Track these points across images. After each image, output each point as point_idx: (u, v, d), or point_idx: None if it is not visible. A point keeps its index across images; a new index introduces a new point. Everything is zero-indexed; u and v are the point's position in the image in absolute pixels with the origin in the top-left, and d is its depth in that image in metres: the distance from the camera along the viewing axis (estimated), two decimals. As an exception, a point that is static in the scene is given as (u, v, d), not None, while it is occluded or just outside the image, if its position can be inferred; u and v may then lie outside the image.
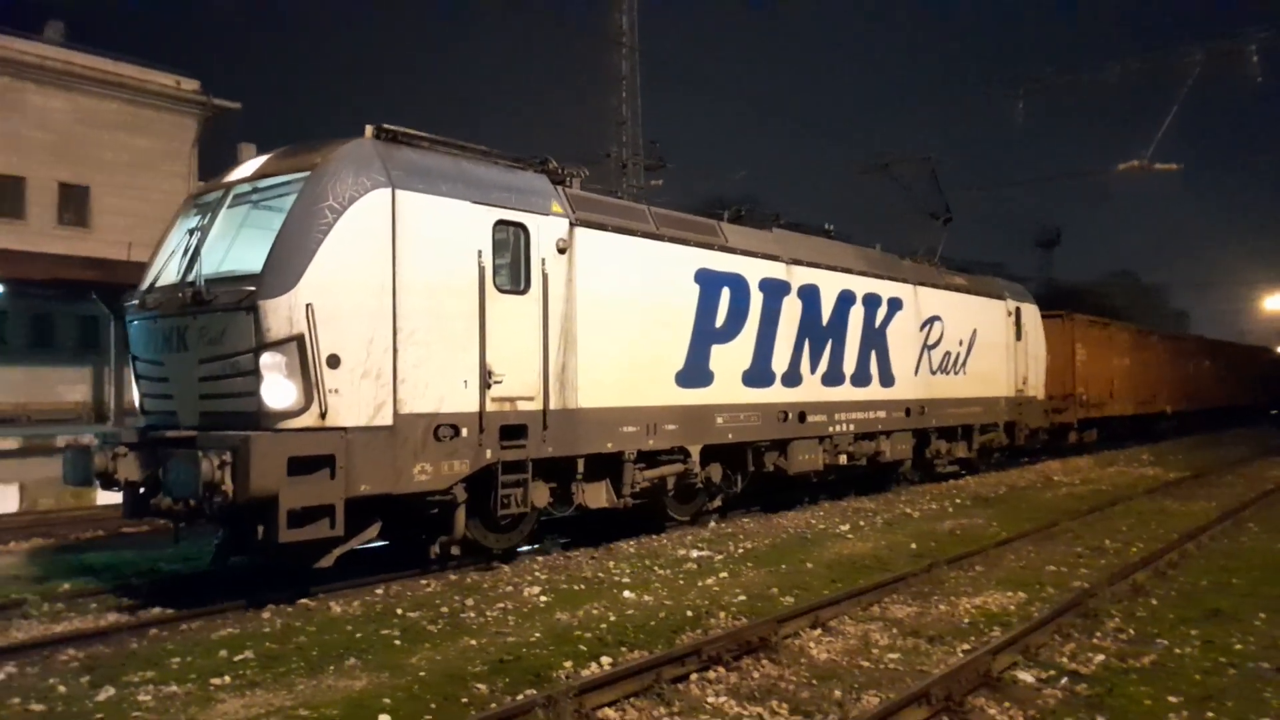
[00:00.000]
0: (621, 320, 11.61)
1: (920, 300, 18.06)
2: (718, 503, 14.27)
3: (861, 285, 16.32)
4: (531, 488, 10.63)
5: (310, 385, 8.62)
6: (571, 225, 11.06)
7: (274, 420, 8.63)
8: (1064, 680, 6.68)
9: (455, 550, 10.47)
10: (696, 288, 12.83)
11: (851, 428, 15.90)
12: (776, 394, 14.21)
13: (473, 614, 8.56)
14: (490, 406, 10.04)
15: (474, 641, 7.64)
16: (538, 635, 7.74)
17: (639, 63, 52.20)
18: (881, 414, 16.68)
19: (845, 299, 15.88)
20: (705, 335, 12.91)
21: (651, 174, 50.69)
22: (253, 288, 8.67)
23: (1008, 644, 7.21)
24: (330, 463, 8.70)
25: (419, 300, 9.45)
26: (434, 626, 8.17)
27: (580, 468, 11.14)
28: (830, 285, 15.51)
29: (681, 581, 9.87)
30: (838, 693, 6.43)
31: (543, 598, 9.16)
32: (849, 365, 15.90)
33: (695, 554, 11.30)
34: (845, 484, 17.19)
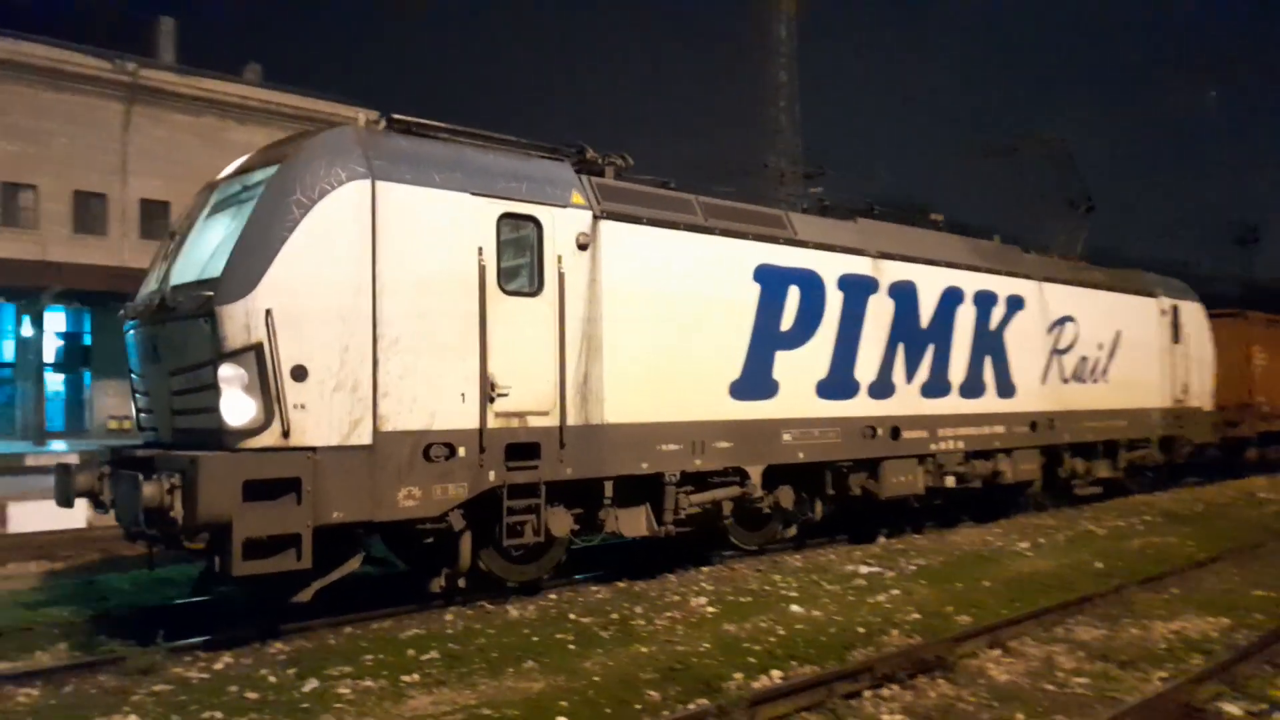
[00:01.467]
0: (658, 324, 10.24)
1: (1047, 298, 15.78)
2: (792, 531, 12.63)
3: (971, 281, 14.29)
4: (549, 514, 9.41)
5: (270, 400, 7.71)
6: (596, 218, 9.80)
7: (235, 439, 7.78)
8: (1277, 715, 6.29)
9: (461, 583, 9.38)
10: (756, 286, 11.30)
11: (960, 445, 13.89)
12: (861, 406, 12.46)
13: (642, 621, 8.68)
14: (493, 422, 8.90)
15: (644, 649, 7.76)
16: (706, 645, 7.76)
17: (797, 71, 51.91)
18: (999, 429, 14.55)
19: (950, 297, 13.91)
20: (768, 340, 11.36)
21: (810, 181, 49.68)
22: (211, 293, 7.87)
23: (1212, 673, 6.84)
24: (296, 487, 7.76)
25: (405, 303, 8.42)
26: (605, 632, 8.32)
27: (608, 491, 9.83)
28: (931, 282, 13.60)
29: (851, 597, 9.67)
30: (1020, 716, 6.32)
31: (709, 608, 9.15)
32: (956, 373, 13.91)
33: (864, 570, 11.07)
34: (957, 509, 15.13)
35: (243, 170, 8.89)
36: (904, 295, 13.19)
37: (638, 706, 6.38)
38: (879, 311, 12.79)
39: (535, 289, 9.32)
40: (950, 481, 13.85)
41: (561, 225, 9.51)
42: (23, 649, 8.19)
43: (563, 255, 9.48)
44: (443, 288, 8.67)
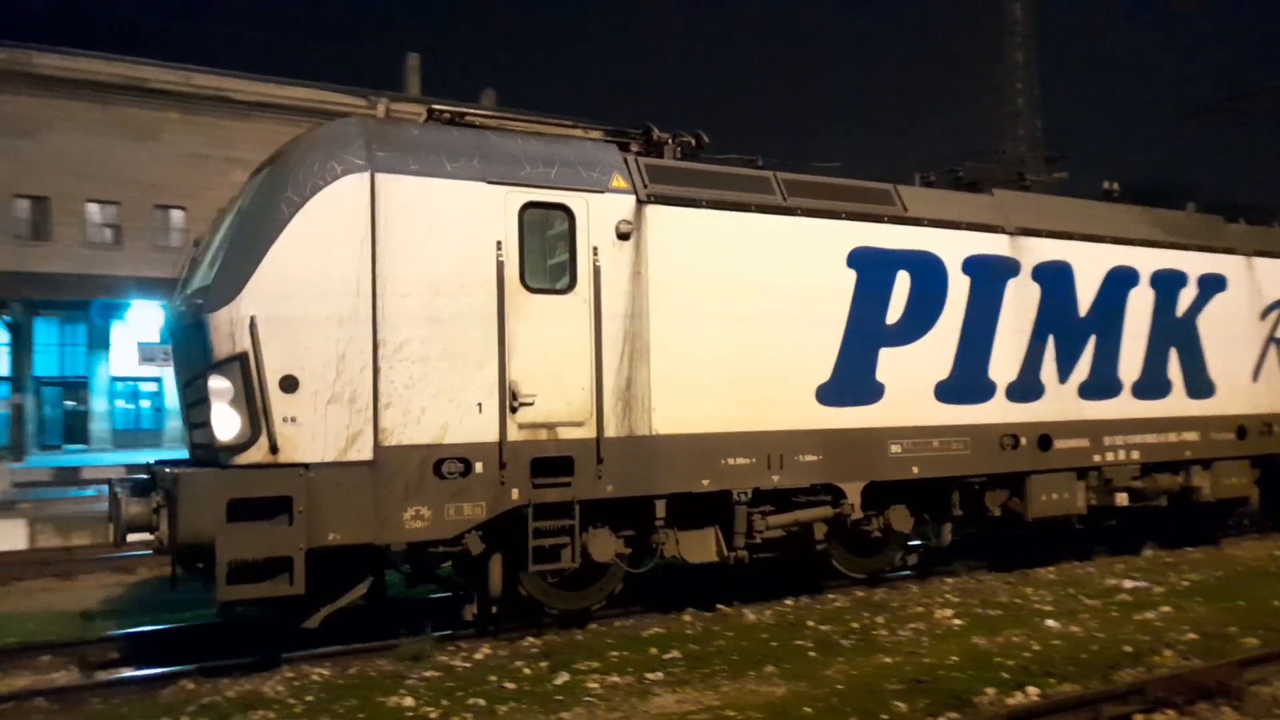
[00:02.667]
0: (721, 320, 8.97)
1: (1259, 277, 13.00)
2: (913, 559, 10.91)
3: (1149, 260, 11.91)
4: (590, 537, 8.41)
5: (256, 413, 7.19)
6: (640, 203, 8.69)
7: (227, 455, 7.34)
8: None
9: (494, 609, 8.55)
10: (851, 274, 9.76)
11: (1135, 455, 11.58)
12: (997, 411, 10.55)
13: (884, 632, 8.47)
14: (516, 435, 8.00)
15: (888, 659, 7.59)
16: (954, 658, 7.49)
17: (1035, 50, 49.51)
18: (1191, 435, 12.06)
19: (1119, 279, 11.64)
20: (868, 335, 9.78)
21: (1053, 166, 46.80)
22: (201, 301, 7.46)
23: None
24: (287, 506, 7.20)
25: (411, 305, 7.70)
26: (846, 641, 8.19)
27: (660, 511, 8.68)
28: (1091, 262, 11.41)
29: (1114, 613, 9.07)
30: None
31: (956, 620, 8.85)
32: (1128, 370, 11.62)
33: (1129, 584, 10.31)
34: (1140, 532, 12.71)
35: (256, 170, 8.50)
36: (1054, 278, 11.12)
37: (884, 716, 6.23)
38: (1020, 298, 10.82)
39: (567, 285, 8.35)
40: (1122, 499, 11.57)
41: (598, 213, 8.48)
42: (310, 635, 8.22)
43: (599, 246, 8.45)
44: (455, 287, 7.87)
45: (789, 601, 9.65)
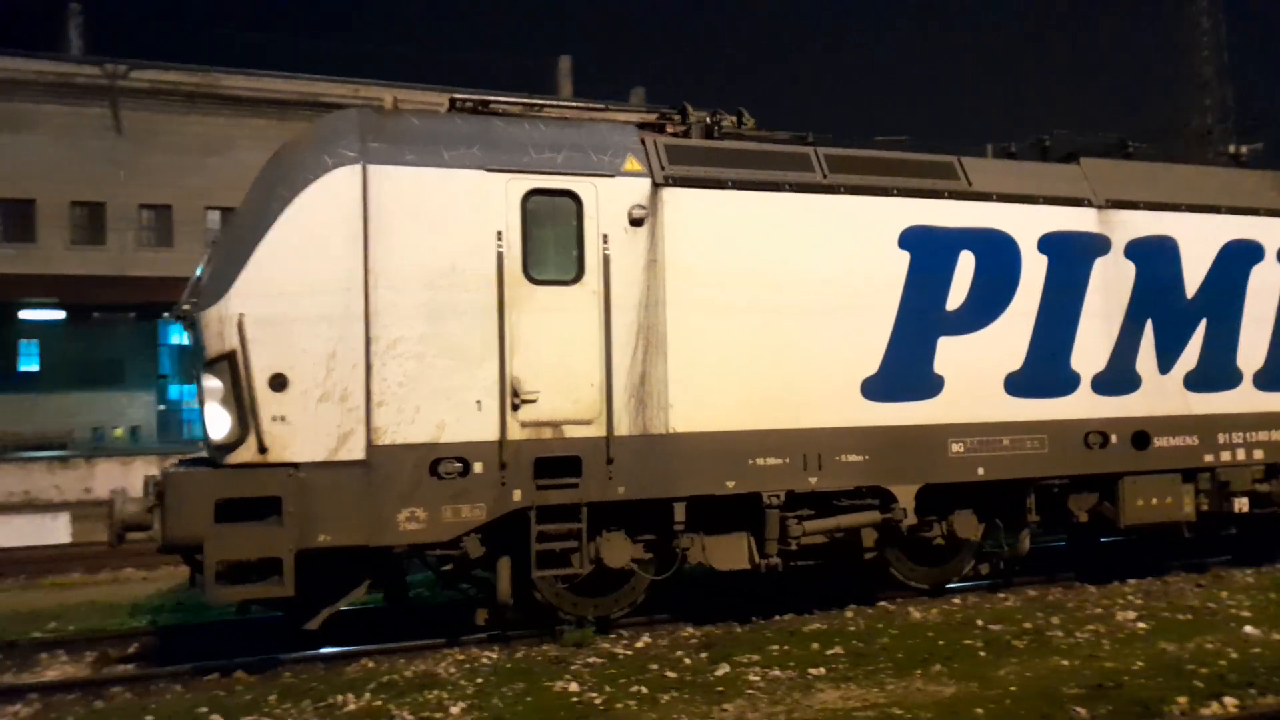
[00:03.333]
0: (750, 310, 8.31)
1: None
2: (984, 569, 9.91)
3: (1276, 231, 10.41)
4: (604, 541, 7.97)
5: (245, 412, 7.11)
6: (656, 186, 8.14)
7: (219, 454, 7.29)
8: None
9: (509, 615, 8.23)
10: (904, 255, 8.88)
11: (1259, 455, 10.15)
12: (1081, 405, 9.43)
13: (1059, 633, 8.07)
14: (518, 433, 7.64)
15: (1064, 662, 7.27)
16: (1140, 664, 7.10)
17: (1222, 15, 46.16)
18: None
19: (1239, 254, 10.21)
20: (924, 323, 8.89)
21: (1244, 137, 43.24)
22: (196, 299, 7.44)
23: None
24: (277, 506, 7.09)
25: (405, 300, 7.45)
26: (1019, 642, 7.85)
27: (679, 515, 8.13)
28: (1201, 235, 10.04)
29: None
30: None
31: (1140, 624, 8.33)
32: (1250, 357, 10.19)
33: None
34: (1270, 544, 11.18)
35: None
36: (1154, 255, 9.84)
37: (1061, 720, 5.87)
38: (1111, 279, 9.62)
39: (574, 276, 7.91)
40: (1241, 505, 10.16)
41: (608, 198, 7.99)
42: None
43: (610, 234, 7.96)
44: (452, 280, 7.57)
45: (956, 600, 9.36)
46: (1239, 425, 10.04)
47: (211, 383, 7.21)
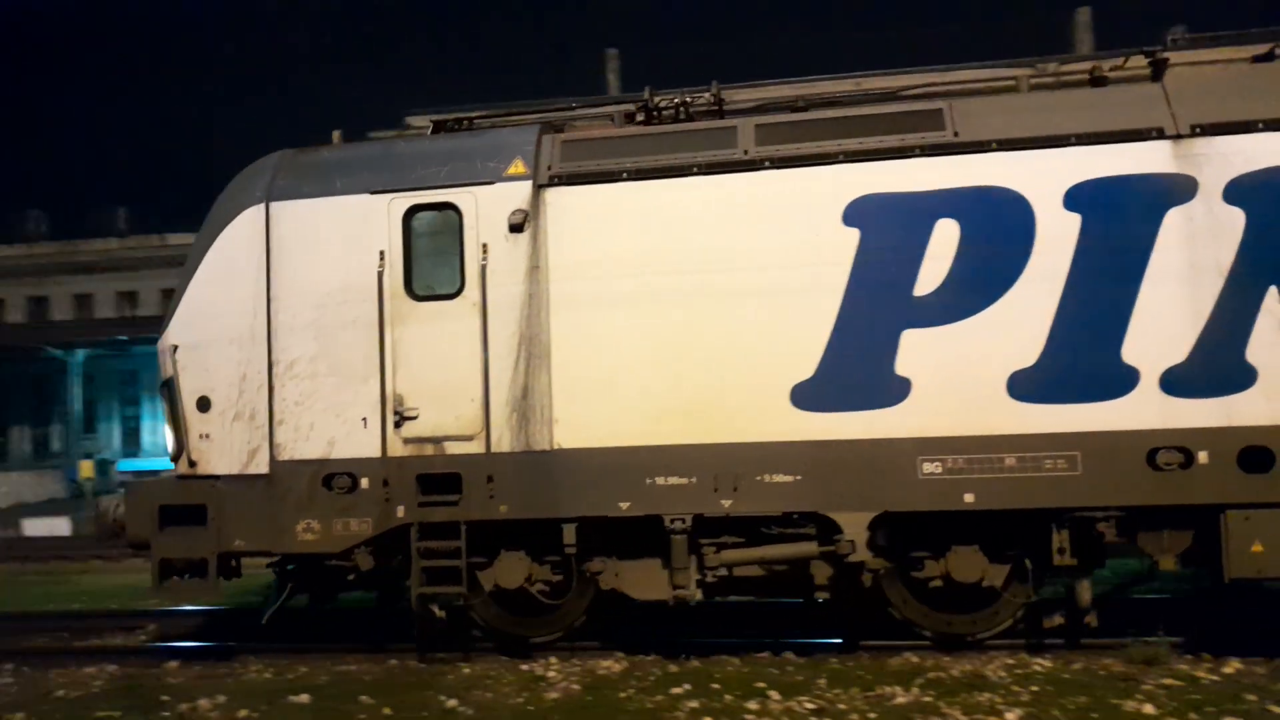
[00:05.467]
0: (646, 315, 7.46)
1: None
2: (1005, 622, 7.68)
3: None
4: (500, 561, 7.77)
5: (180, 431, 8.19)
6: (539, 188, 7.69)
7: (172, 466, 8.45)
8: None
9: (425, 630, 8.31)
10: (852, 233, 7.29)
11: None
12: (1143, 410, 6.90)
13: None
14: (400, 450, 7.76)
15: None
16: None
17: None
18: None
19: None
20: (879, 314, 7.21)
21: None
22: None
23: None
24: (203, 514, 8.08)
25: (299, 324, 8.01)
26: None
27: (568, 537, 7.56)
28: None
29: None
30: None
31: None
32: None
33: None
34: None
35: None
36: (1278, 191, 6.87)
37: None
38: (1199, 234, 6.91)
39: (456, 289, 7.79)
40: None
41: (487, 207, 7.74)
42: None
43: (489, 243, 7.71)
44: (340, 301, 7.93)
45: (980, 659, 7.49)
46: None
47: (162, 405, 8.39)
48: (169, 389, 8.22)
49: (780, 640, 8.09)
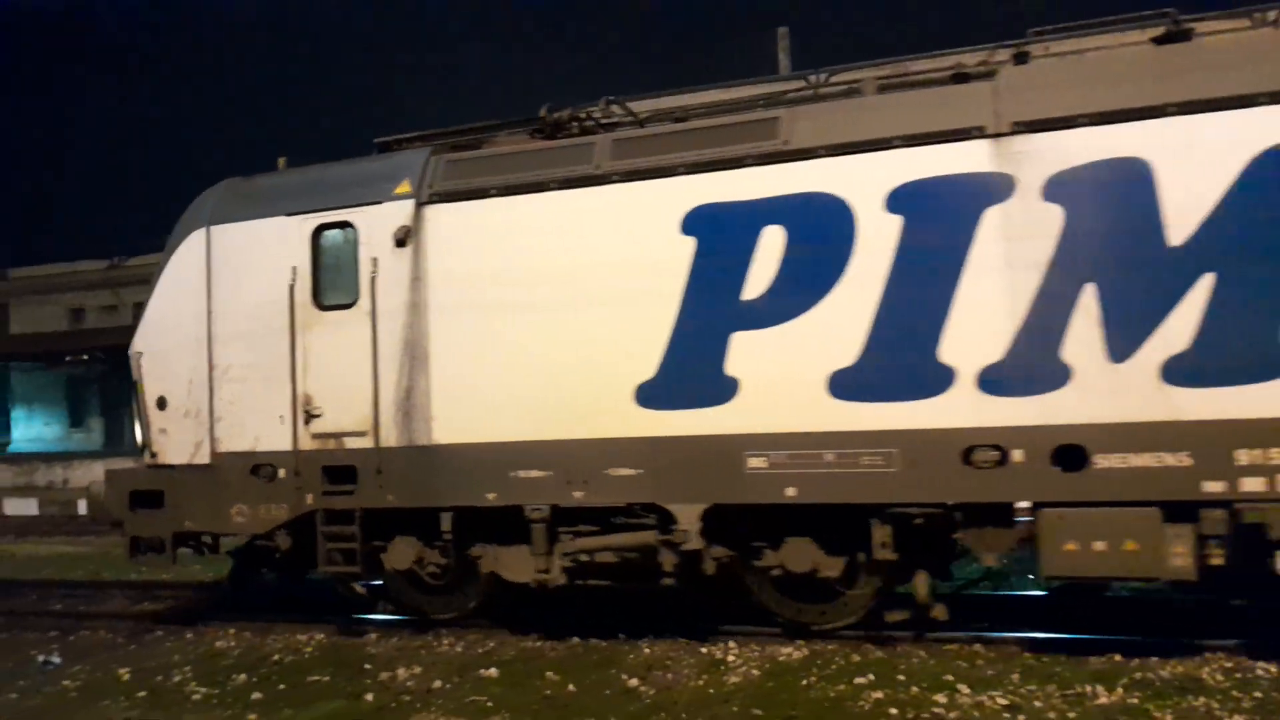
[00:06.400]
0: (510, 320, 8.11)
1: None
2: (854, 614, 7.84)
3: None
4: (392, 545, 8.63)
5: (145, 426, 9.48)
6: (420, 205, 8.46)
7: (145, 460, 9.74)
8: None
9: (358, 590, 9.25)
10: (689, 241, 7.68)
11: (1336, 484, 6.29)
12: (958, 408, 7.00)
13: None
14: (308, 444, 8.75)
15: None
16: None
17: None
18: None
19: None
20: (713, 317, 7.58)
21: None
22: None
23: None
24: (161, 498, 9.35)
25: (233, 333, 9.11)
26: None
27: (445, 525, 8.32)
28: (1208, 146, 6.58)
29: None
30: None
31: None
32: (1316, 327, 6.36)
33: None
34: None
35: None
36: (1101, 189, 6.80)
37: None
38: (1017, 233, 6.93)
39: (353, 300, 8.67)
40: (1295, 563, 6.42)
41: (378, 224, 8.57)
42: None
43: (379, 257, 8.55)
44: (264, 312, 8.95)
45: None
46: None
47: (134, 404, 9.70)
48: (135, 390, 9.51)
49: (974, 633, 7.71)
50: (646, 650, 7.98)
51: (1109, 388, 6.69)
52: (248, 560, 9.56)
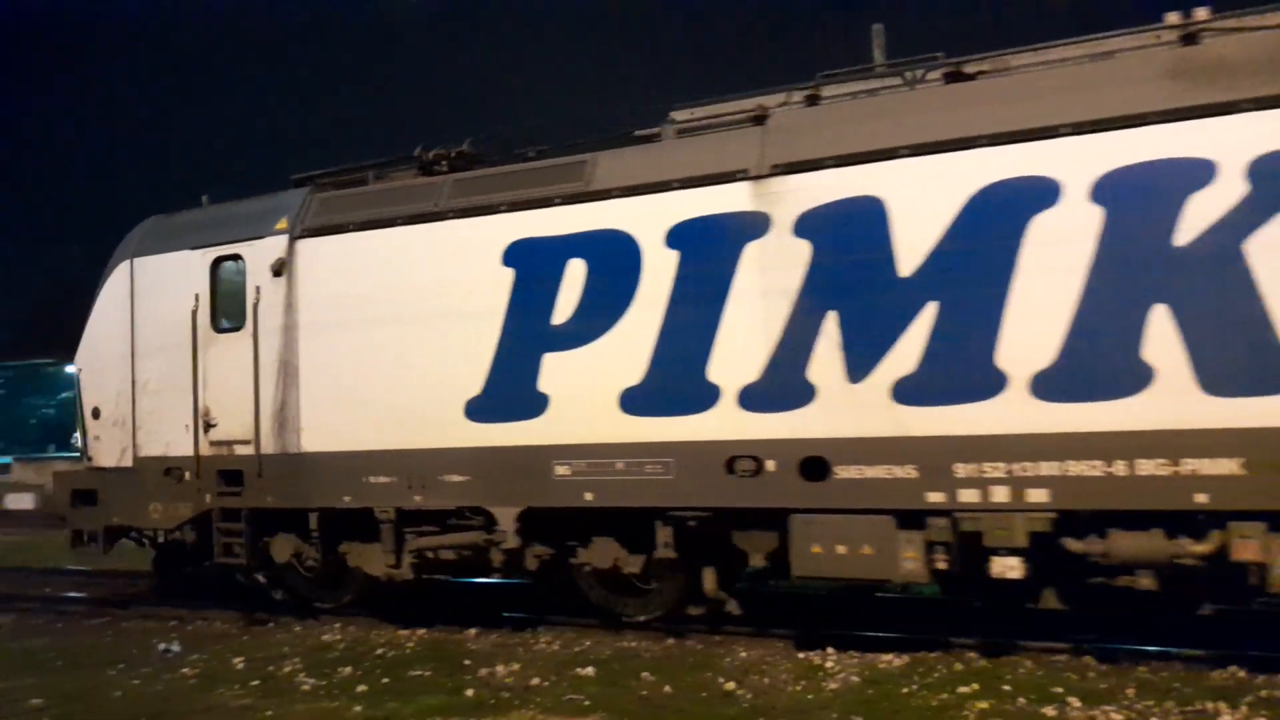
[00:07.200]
0: (364, 342, 9.15)
1: None
2: (661, 608, 8.67)
3: (1096, 154, 6.82)
4: (273, 541, 9.78)
5: (84, 434, 10.85)
6: (293, 239, 9.57)
7: (85, 463, 11.10)
8: None
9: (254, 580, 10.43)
10: (508, 272, 8.60)
11: (1039, 496, 6.88)
12: (722, 424, 7.78)
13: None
14: (207, 451, 9.95)
15: None
16: None
17: None
18: (1219, 464, 6.46)
19: (1006, 202, 7.03)
20: (528, 341, 8.49)
21: None
22: None
23: None
24: (95, 497, 10.71)
25: (150, 351, 10.40)
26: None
27: (313, 524, 9.42)
28: (935, 184, 7.22)
29: None
30: None
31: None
32: (1022, 351, 6.92)
33: None
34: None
35: None
36: (842, 225, 7.49)
37: None
38: (771, 266, 7.68)
39: (242, 323, 9.84)
40: (1009, 568, 7.02)
41: (262, 256, 9.72)
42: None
43: (260, 285, 9.69)
44: (173, 335, 10.20)
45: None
46: (998, 452, 6.97)
47: (76, 413, 11.08)
48: (78, 402, 10.88)
49: (1081, 645, 7.51)
50: (743, 654, 8.01)
51: (847, 405, 7.38)
52: (168, 552, 10.83)
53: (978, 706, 6.31)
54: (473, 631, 9.11)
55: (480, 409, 8.66)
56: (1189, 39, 7.13)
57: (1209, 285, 6.48)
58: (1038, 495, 6.87)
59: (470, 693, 7.25)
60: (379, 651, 8.57)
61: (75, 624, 10.67)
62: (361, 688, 7.52)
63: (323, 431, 9.34)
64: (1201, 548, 6.58)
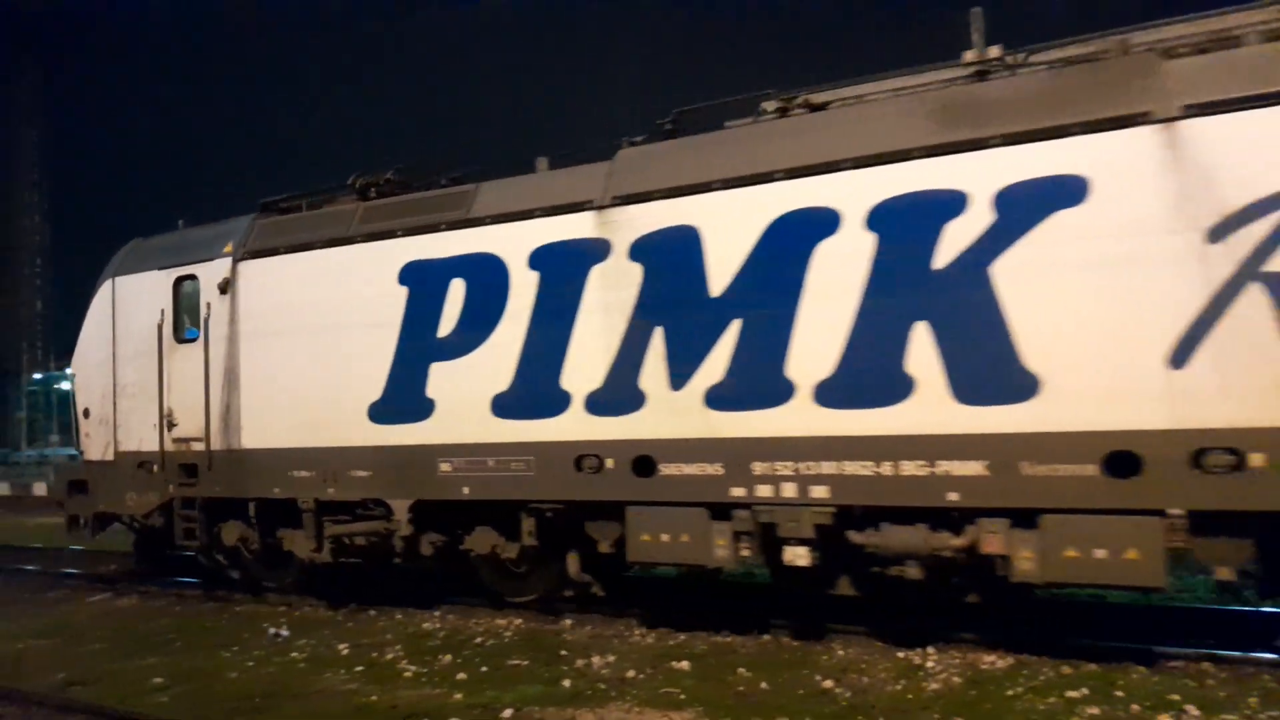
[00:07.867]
0: (289, 351, 10.43)
1: (1198, 155, 6.58)
2: (538, 590, 9.71)
3: (868, 186, 7.63)
4: (223, 527, 11.15)
5: (78, 431, 12.45)
6: (236, 261, 10.92)
7: (80, 457, 12.69)
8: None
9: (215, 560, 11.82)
10: (403, 290, 9.76)
11: (821, 492, 7.72)
12: (571, 426, 8.79)
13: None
14: (170, 447, 11.39)
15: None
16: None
17: None
18: (966, 466, 7.23)
19: (793, 231, 7.88)
20: (418, 352, 9.63)
21: None
22: None
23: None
24: (86, 486, 12.29)
25: (128, 358, 11.90)
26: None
27: (251, 511, 10.76)
28: (737, 214, 8.11)
29: None
30: None
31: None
32: (808, 363, 7.77)
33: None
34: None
35: None
36: (665, 251, 8.43)
37: None
38: (610, 287, 8.66)
39: (195, 335, 11.24)
40: (798, 556, 7.87)
41: (212, 275, 11.10)
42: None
43: (211, 302, 11.07)
44: (144, 344, 11.68)
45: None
46: (786, 452, 7.83)
47: (72, 413, 12.68)
48: (72, 403, 12.48)
49: (1200, 650, 7.32)
50: (840, 652, 8.02)
51: (670, 410, 8.32)
52: (148, 537, 12.33)
53: (1088, 712, 6.14)
54: (568, 622, 9.44)
55: (380, 412, 9.84)
56: (981, 75, 7.86)
57: (961, 304, 7.23)
58: (820, 491, 7.71)
59: (567, 683, 7.38)
60: (478, 640, 8.93)
61: (192, 607, 11.44)
62: (461, 675, 7.74)
63: (258, 430, 10.66)
64: (958, 541, 7.35)
